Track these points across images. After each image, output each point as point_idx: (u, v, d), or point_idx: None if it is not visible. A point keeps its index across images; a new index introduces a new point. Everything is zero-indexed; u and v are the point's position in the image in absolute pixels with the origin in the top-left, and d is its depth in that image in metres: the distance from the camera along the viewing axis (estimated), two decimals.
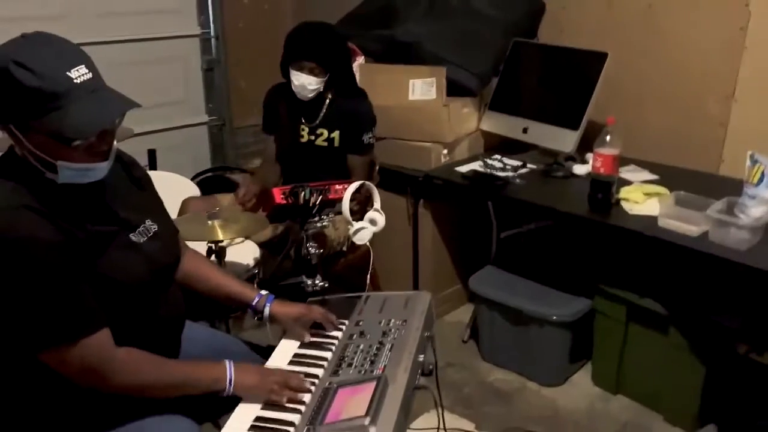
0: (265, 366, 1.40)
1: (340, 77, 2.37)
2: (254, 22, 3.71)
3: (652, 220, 2.04)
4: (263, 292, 1.53)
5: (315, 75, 2.28)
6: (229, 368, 1.29)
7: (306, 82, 2.29)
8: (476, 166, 2.59)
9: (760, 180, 1.96)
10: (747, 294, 2.09)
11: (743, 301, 2.11)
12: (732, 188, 2.05)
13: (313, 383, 1.33)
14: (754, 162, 1.99)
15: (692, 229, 1.93)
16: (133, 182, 1.37)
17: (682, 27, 2.51)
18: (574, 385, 2.49)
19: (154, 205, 1.42)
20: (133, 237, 1.28)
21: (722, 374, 2.13)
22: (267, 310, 1.50)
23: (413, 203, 2.73)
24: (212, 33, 3.59)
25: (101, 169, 1.19)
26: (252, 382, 1.30)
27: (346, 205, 1.77)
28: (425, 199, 2.72)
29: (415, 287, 2.83)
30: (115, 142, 1.21)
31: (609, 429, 2.26)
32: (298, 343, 1.49)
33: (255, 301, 1.51)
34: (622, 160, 2.41)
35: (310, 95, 2.33)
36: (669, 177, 2.40)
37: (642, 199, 2.15)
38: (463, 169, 2.57)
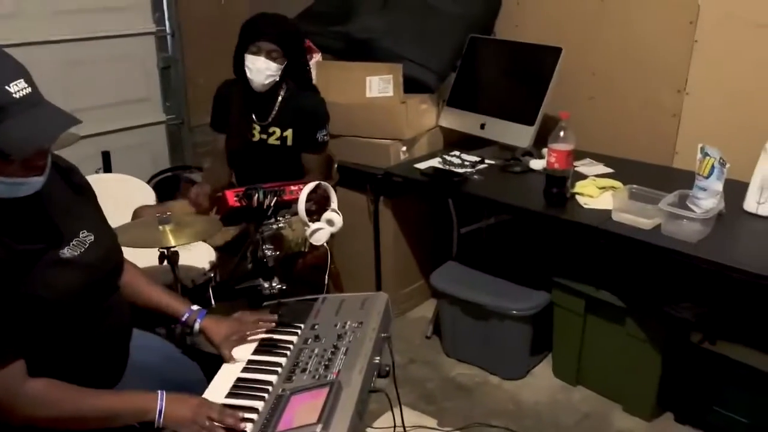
0: (203, 396, 1.32)
1: (297, 69, 2.31)
2: (211, 19, 3.65)
3: (606, 213, 2.06)
4: (194, 307, 1.51)
5: (273, 60, 2.21)
6: (161, 399, 1.24)
7: (263, 67, 2.20)
8: (435, 162, 2.60)
9: (711, 172, 2.00)
10: (700, 285, 2.14)
11: (697, 291, 2.15)
12: (685, 181, 2.08)
13: (265, 391, 1.32)
14: (705, 155, 2.03)
15: (645, 222, 1.96)
16: (71, 189, 1.33)
17: (633, 21, 2.54)
18: (535, 378, 2.52)
19: (92, 213, 1.38)
20: (64, 252, 1.24)
21: (678, 363, 2.18)
22: (197, 326, 1.48)
23: (373, 201, 2.73)
24: (168, 30, 3.53)
25: (36, 183, 1.15)
26: (184, 415, 1.23)
27: (301, 206, 1.76)
28: (385, 196, 2.71)
29: (378, 285, 2.83)
30: (49, 157, 1.18)
31: (570, 420, 2.29)
32: (243, 362, 1.45)
33: (185, 316, 1.49)
34: (577, 154, 2.44)
35: (266, 82, 2.24)
36: (623, 170, 2.43)
37: (596, 193, 2.18)
38: (422, 165, 2.57)
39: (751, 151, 2.07)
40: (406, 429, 2.12)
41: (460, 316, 2.54)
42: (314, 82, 2.48)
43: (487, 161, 2.59)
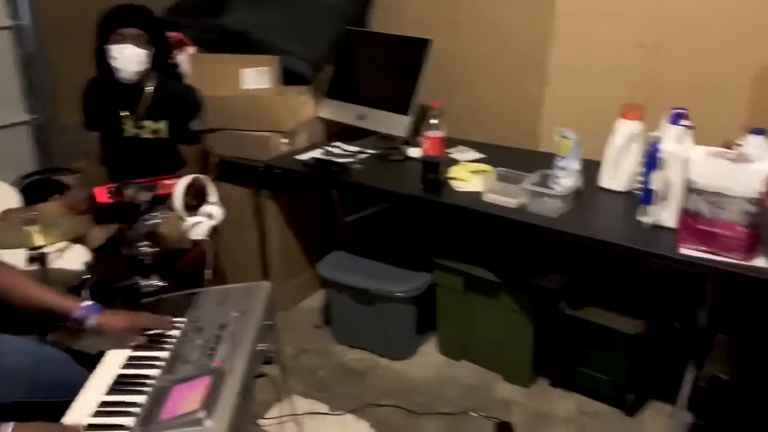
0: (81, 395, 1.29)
1: (162, 58, 2.25)
2: (76, 11, 3.46)
3: (478, 195, 2.19)
4: (87, 303, 1.45)
5: (139, 45, 2.13)
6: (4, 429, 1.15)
7: (131, 54, 2.12)
8: (316, 153, 2.63)
9: (568, 153, 2.18)
10: (564, 256, 2.32)
11: (561, 263, 2.33)
12: (549, 162, 2.24)
13: (146, 385, 1.30)
14: (563, 137, 2.20)
15: (512, 201, 2.10)
16: None
17: (499, 13, 2.69)
18: (423, 357, 2.62)
19: None
20: None
21: (548, 331, 2.35)
22: (92, 322, 1.43)
23: (256, 194, 2.72)
24: (26, 23, 3.30)
25: None
26: None
27: (177, 200, 1.74)
28: (268, 189, 2.71)
29: (265, 279, 2.82)
30: None
31: (455, 393, 2.41)
32: (124, 358, 1.42)
33: (78, 313, 1.43)
34: (451, 141, 2.57)
35: (137, 70, 2.16)
36: (493, 155, 2.57)
37: (468, 177, 2.30)
38: (304, 157, 2.59)
39: (605, 132, 2.26)
40: (298, 416, 2.16)
41: (348, 303, 2.59)
42: (188, 75, 2.43)
43: (367, 151, 2.66)
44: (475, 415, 2.27)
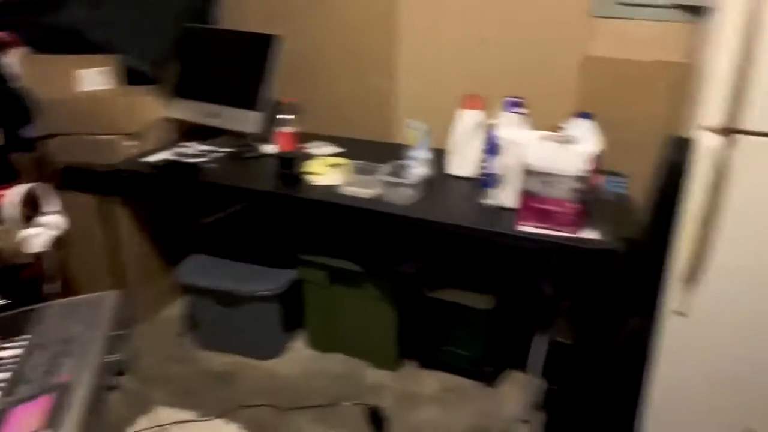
0: None
1: None
2: None
3: (335, 188, 2.22)
4: None
5: None
6: None
7: None
8: (167, 154, 2.54)
9: (418, 144, 2.27)
10: (420, 241, 2.42)
11: (419, 248, 2.43)
12: (402, 153, 2.32)
13: None
14: (413, 128, 2.30)
15: (367, 192, 2.16)
16: None
17: (347, 9, 2.74)
18: (292, 353, 2.63)
19: None
20: None
21: (411, 315, 2.44)
22: None
23: (105, 200, 2.58)
24: None
25: None
26: None
27: (8, 211, 1.62)
28: (118, 194, 2.58)
29: (122, 287, 2.68)
30: None
31: (325, 385, 2.43)
32: None
33: None
34: (309, 137, 2.59)
35: None
36: (351, 149, 2.62)
37: (325, 170, 2.33)
38: (153, 158, 2.50)
39: (451, 122, 2.38)
40: (165, 427, 2.09)
41: (211, 307, 2.54)
42: (20, 77, 2.25)
43: (221, 150, 2.61)
44: (346, 404, 2.31)
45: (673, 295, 1.70)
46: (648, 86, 2.36)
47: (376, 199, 2.15)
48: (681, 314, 1.70)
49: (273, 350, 2.59)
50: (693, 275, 1.66)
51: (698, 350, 1.72)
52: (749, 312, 1.65)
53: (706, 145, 1.54)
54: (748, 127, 1.49)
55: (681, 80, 2.16)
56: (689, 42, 2.25)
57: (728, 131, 1.51)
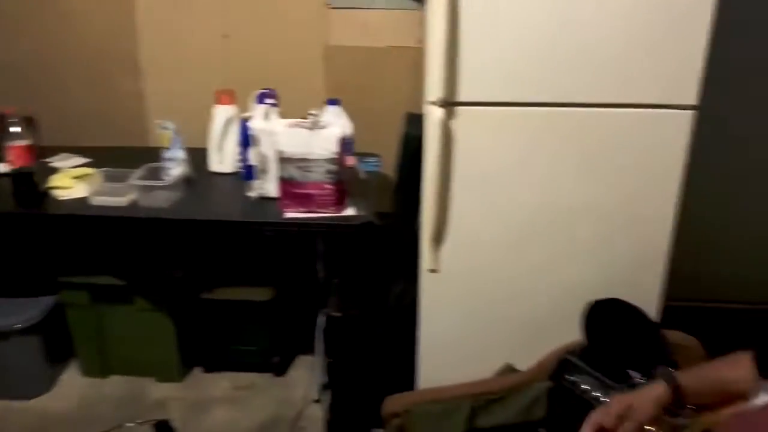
0: None
1: None
2: None
3: (84, 200, 2.07)
4: None
5: None
6: None
7: None
8: None
9: (171, 144, 2.20)
10: (192, 244, 2.36)
11: (188, 251, 2.37)
12: (157, 156, 2.23)
13: None
14: (164, 129, 2.21)
15: (121, 200, 2.04)
16: None
17: (79, 9, 2.54)
18: (64, 386, 2.41)
19: None
20: None
21: (191, 320, 2.38)
22: None
23: None
24: None
25: None
26: None
27: None
28: None
29: None
30: None
31: (104, 410, 2.28)
32: None
33: None
34: (54, 150, 2.37)
35: None
36: (102, 158, 2.43)
37: (71, 183, 2.15)
38: None
39: (208, 120, 2.34)
40: None
41: None
42: None
43: None
44: (130, 425, 2.18)
45: (426, 256, 1.87)
46: (389, 71, 2.54)
47: (132, 206, 2.04)
48: (434, 271, 1.87)
49: (39, 386, 2.35)
50: (439, 236, 1.84)
51: (453, 300, 1.92)
52: (487, 262, 1.87)
53: (434, 118, 1.71)
54: (462, 98, 1.68)
55: (416, 63, 2.37)
56: (419, 27, 2.46)
57: (448, 104, 1.69)
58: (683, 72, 1.63)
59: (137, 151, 2.58)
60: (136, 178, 2.06)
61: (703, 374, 1.32)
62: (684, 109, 1.67)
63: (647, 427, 1.22)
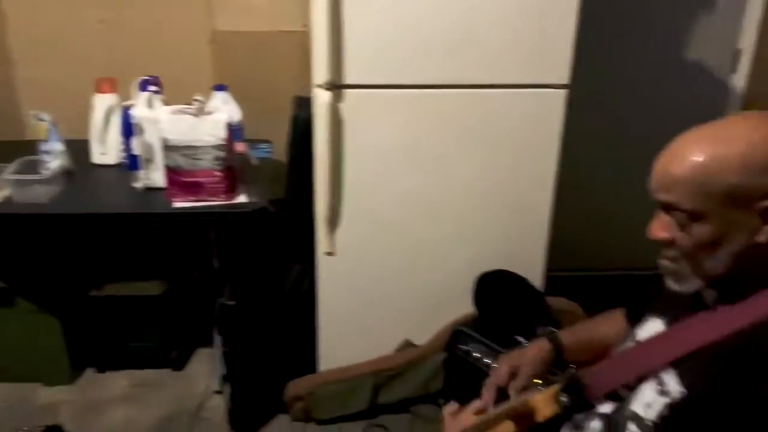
0: None
1: None
2: None
3: None
4: None
5: None
6: None
7: None
8: None
9: (48, 136, 2.09)
10: (73, 240, 2.25)
11: (73, 247, 2.26)
12: (34, 149, 2.10)
13: None
14: (40, 120, 2.10)
15: None
16: None
17: None
18: None
19: None
20: None
21: (81, 320, 2.27)
22: None
23: None
24: None
25: None
26: None
27: None
28: None
29: None
30: None
31: None
32: None
33: None
34: None
35: None
36: None
37: None
38: None
39: (89, 110, 2.23)
40: None
41: None
42: None
43: None
44: None
45: (321, 239, 1.89)
46: (277, 55, 2.52)
47: (6, 203, 1.92)
48: (330, 254, 1.89)
49: None
50: (333, 219, 1.86)
51: (351, 281, 1.95)
52: (381, 243, 1.92)
53: (321, 101, 1.72)
54: (349, 81, 1.71)
55: (304, 47, 2.36)
56: (305, 12, 2.45)
57: (335, 87, 1.71)
58: (555, 53, 1.73)
59: (14, 144, 2.43)
60: (9, 172, 1.93)
61: (582, 332, 1.42)
62: (557, 88, 1.77)
63: (535, 380, 1.31)
